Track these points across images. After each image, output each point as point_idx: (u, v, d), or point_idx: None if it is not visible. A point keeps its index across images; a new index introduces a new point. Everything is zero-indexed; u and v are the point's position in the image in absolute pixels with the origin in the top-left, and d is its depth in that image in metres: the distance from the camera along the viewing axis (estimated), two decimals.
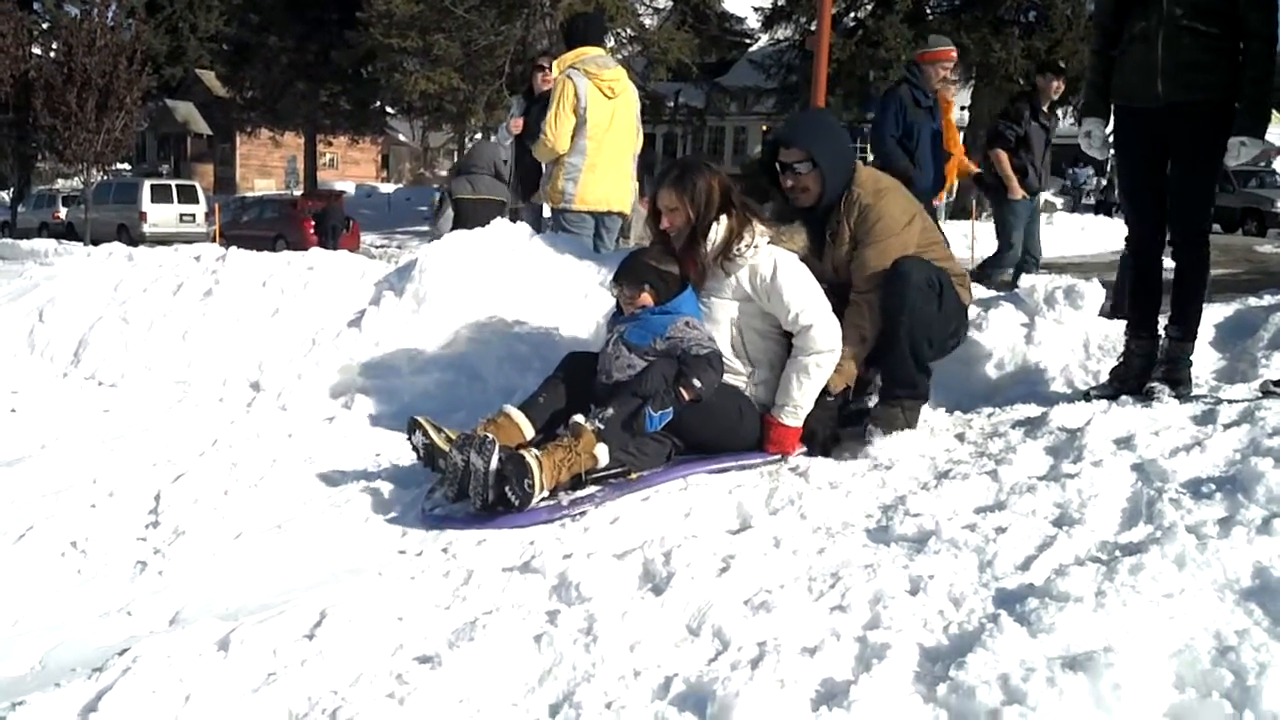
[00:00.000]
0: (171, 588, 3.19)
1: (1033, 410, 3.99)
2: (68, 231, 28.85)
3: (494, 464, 3.39)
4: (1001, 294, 5.14)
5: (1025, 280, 5.04)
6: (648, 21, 31.38)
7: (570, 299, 5.61)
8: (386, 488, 3.80)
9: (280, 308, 5.83)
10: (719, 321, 3.91)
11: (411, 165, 59.14)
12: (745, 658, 2.41)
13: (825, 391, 3.90)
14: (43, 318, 6.24)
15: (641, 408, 3.58)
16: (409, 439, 3.72)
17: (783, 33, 31.08)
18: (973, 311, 4.76)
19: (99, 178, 28.88)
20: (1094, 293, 4.68)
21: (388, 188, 50.83)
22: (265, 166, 50.64)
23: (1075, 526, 2.91)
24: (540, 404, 3.85)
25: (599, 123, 6.53)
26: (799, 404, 3.84)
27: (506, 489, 3.34)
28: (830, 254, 4.05)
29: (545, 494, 3.35)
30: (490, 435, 3.47)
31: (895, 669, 2.28)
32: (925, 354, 3.97)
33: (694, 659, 2.48)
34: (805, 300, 3.82)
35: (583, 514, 3.43)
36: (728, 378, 3.85)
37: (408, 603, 2.96)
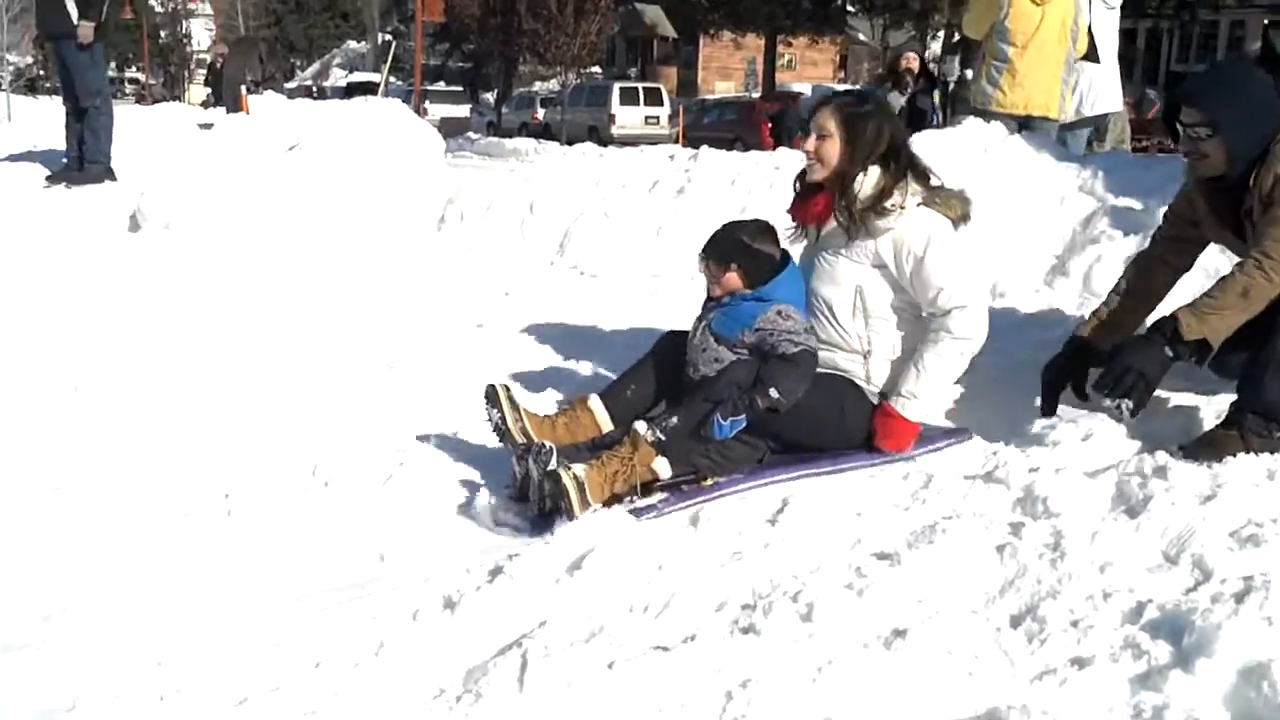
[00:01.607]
0: None
1: None
2: (544, 131, 30.99)
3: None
4: None
5: None
6: None
7: (1044, 202, 5.36)
8: None
9: (747, 206, 6.00)
10: (841, 285, 3.40)
11: (870, 65, 58.21)
12: (1228, 591, 2.29)
13: (1177, 341, 3.08)
14: (532, 209, 6.83)
15: (710, 414, 3.17)
16: (487, 413, 3.37)
17: None
18: None
19: (574, 80, 30.77)
20: None
21: (844, 89, 50.58)
22: (726, 69, 51.74)
23: None
24: (625, 396, 3.50)
25: (1022, 30, 6.46)
26: (922, 394, 3.30)
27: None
28: (1249, 235, 3.29)
29: (596, 508, 3.03)
30: (548, 444, 3.20)
31: None
32: None
33: (1170, 587, 2.38)
34: (958, 278, 3.29)
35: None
36: (838, 357, 3.39)
37: (866, 500, 3.03)
